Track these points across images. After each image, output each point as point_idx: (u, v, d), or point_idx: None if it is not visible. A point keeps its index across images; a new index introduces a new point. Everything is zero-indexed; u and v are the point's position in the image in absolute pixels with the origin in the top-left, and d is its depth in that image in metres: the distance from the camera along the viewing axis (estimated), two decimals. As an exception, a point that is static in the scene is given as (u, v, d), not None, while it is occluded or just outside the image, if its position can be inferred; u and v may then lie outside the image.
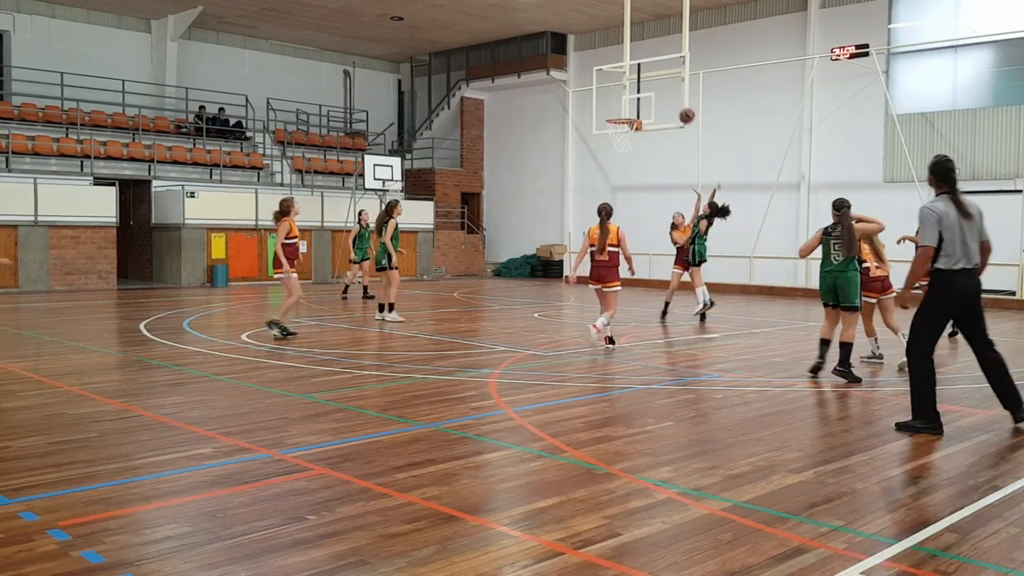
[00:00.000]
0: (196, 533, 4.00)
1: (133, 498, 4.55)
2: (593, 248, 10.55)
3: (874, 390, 7.96)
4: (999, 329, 13.45)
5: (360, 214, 17.77)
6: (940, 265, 6.18)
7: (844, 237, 8.39)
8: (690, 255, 14.10)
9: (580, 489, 4.72)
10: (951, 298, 6.21)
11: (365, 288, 17.93)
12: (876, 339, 9.75)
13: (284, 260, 10.89)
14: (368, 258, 17.48)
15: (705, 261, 14.19)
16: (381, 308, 13.42)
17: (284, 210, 10.99)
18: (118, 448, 5.56)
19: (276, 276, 11.10)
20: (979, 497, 4.66)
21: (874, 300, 9.39)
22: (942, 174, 6.31)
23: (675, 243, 14.53)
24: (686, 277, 14.30)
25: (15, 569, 3.54)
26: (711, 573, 3.58)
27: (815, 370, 8.63)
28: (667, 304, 14.43)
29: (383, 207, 13.75)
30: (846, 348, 8.42)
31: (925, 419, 6.22)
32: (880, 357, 9.67)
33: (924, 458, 5.52)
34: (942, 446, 5.81)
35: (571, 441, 5.82)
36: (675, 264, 14.48)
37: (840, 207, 8.54)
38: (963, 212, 6.17)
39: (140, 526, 4.12)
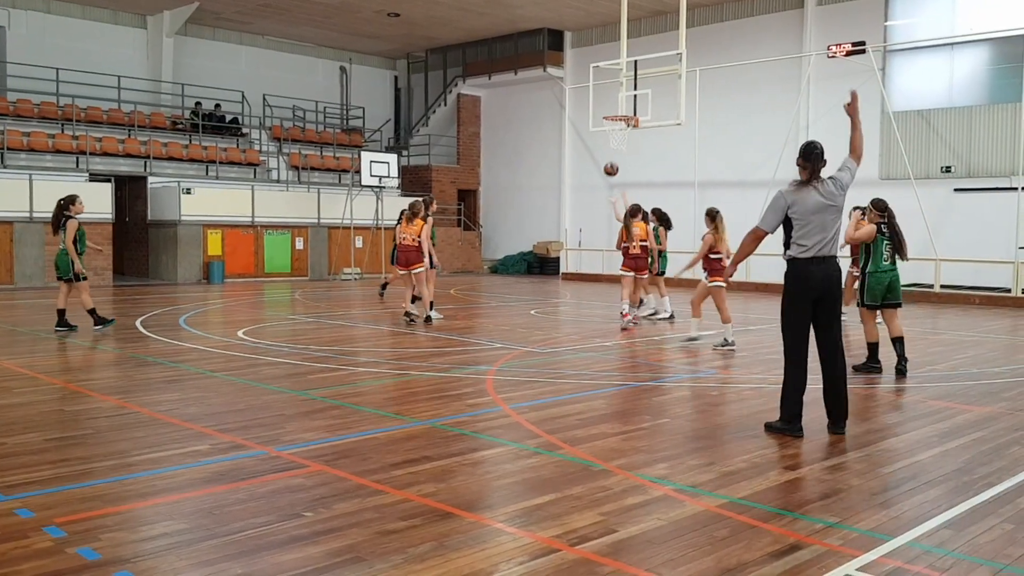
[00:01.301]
0: (192, 530, 4.00)
1: (129, 495, 4.54)
2: (627, 244, 12.28)
3: (871, 387, 7.97)
4: (994, 326, 13.48)
5: (402, 214, 17.27)
6: (792, 254, 5.97)
7: (896, 237, 8.64)
8: (656, 265, 13.72)
9: (576, 486, 4.73)
10: (804, 289, 5.94)
11: (385, 285, 17.95)
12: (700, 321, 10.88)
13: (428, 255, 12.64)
14: None
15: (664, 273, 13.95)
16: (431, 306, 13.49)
17: (419, 211, 12.62)
18: (114, 445, 5.56)
19: (415, 271, 12.71)
20: (974, 494, 4.67)
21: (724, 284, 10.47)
22: (809, 157, 6.06)
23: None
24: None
25: (10, 566, 3.54)
26: (707, 569, 3.59)
27: (873, 368, 8.74)
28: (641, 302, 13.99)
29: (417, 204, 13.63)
30: (903, 342, 8.65)
31: (784, 419, 5.99)
32: (697, 339, 10.70)
33: (919, 455, 5.53)
34: (937, 442, 5.82)
35: (567, 438, 5.83)
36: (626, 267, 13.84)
37: (886, 207, 8.73)
38: (822, 199, 5.91)
39: (136, 523, 4.12)
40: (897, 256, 8.67)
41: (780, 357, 9.89)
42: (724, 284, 10.40)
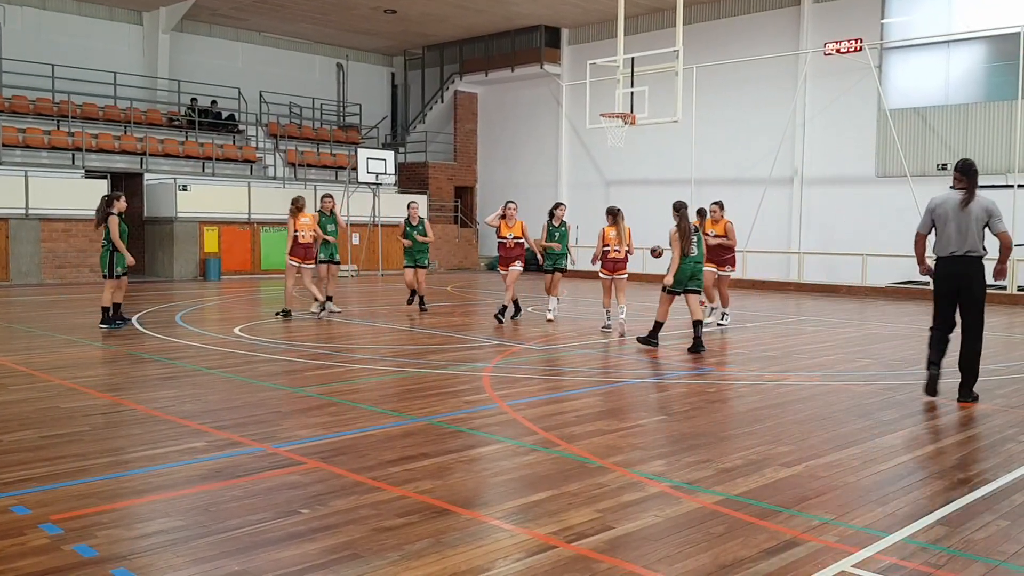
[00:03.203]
0: (189, 527, 4.00)
1: (125, 492, 4.54)
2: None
3: (867, 384, 7.99)
4: (989, 323, 13.45)
5: (409, 206, 14.37)
6: (936, 252, 7.08)
7: (698, 235, 10.07)
8: (551, 262, 13.35)
9: (573, 483, 4.73)
10: (942, 281, 7.07)
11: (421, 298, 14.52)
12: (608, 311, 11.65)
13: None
14: (423, 264, 14.09)
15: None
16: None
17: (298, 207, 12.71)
18: (110, 442, 5.55)
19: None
20: (969, 490, 4.68)
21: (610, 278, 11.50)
22: (967, 172, 6.97)
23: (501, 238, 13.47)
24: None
25: (7, 563, 3.54)
26: (703, 566, 3.59)
27: (652, 342, 10.15)
28: (515, 305, 13.12)
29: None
30: (701, 325, 9.98)
31: (928, 366, 7.12)
32: (609, 327, 11.63)
33: (915, 451, 5.54)
34: (932, 439, 5.84)
35: (564, 435, 5.83)
36: (510, 264, 13.29)
37: (680, 208, 10.06)
38: (961, 204, 6.86)
39: (132, 520, 4.11)
40: (696, 249, 10.05)
41: (775, 354, 9.97)
42: (609, 276, 11.58)
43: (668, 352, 10.13)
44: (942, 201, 6.95)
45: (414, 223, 14.16)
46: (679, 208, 10.04)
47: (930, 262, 7.30)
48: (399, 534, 3.92)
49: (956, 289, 6.97)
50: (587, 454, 5.34)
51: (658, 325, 10.07)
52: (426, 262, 14.19)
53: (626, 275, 11.65)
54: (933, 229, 7.10)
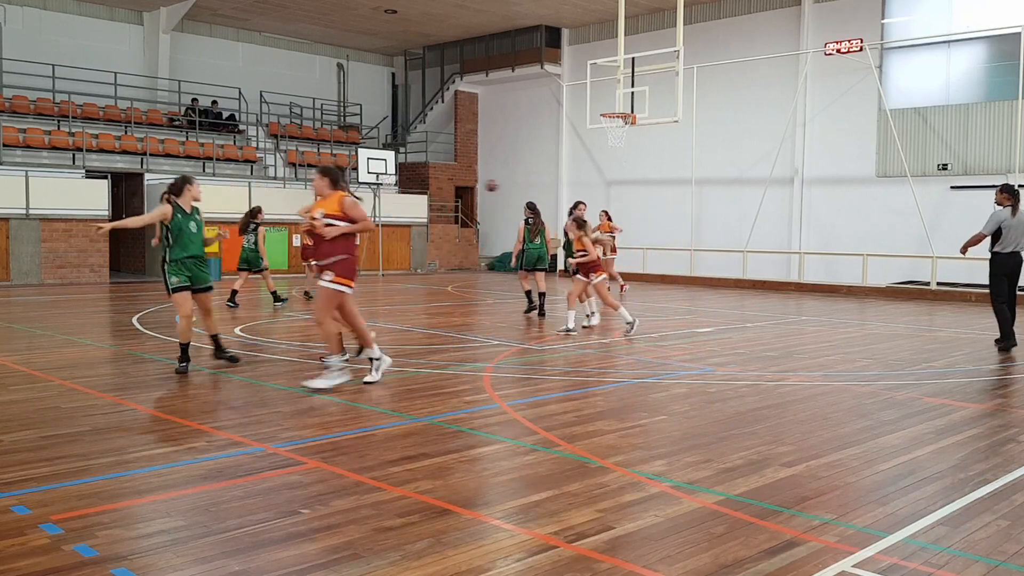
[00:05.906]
0: (189, 527, 4.00)
1: (126, 492, 4.54)
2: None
3: (867, 384, 7.99)
4: (990, 324, 13.48)
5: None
6: (996, 250, 10.11)
7: (539, 228, 13.20)
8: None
9: (573, 483, 4.73)
10: (1002, 270, 10.10)
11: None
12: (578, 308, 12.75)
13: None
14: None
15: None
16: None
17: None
18: (111, 442, 5.56)
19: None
20: (970, 491, 4.69)
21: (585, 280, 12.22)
22: (1012, 192, 10.14)
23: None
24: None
25: (7, 563, 3.54)
26: (704, 566, 3.60)
27: (531, 310, 13.33)
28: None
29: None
30: (544, 296, 13.11)
31: (1006, 337, 10.23)
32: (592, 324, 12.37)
33: (915, 452, 5.54)
34: (933, 439, 5.84)
35: (565, 435, 5.83)
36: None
37: (535, 207, 13.38)
38: (1020, 219, 10.00)
39: (133, 520, 4.12)
40: (540, 239, 13.28)
41: (776, 355, 10.00)
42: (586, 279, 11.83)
43: (668, 352, 10.13)
44: (1008, 216, 9.98)
45: (188, 211, 9.13)
46: (532, 207, 13.37)
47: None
48: (399, 534, 3.92)
49: (1013, 274, 10.14)
50: (587, 454, 5.35)
51: (541, 295, 13.10)
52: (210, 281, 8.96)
53: (602, 276, 11.48)
54: (994, 233, 10.01)
